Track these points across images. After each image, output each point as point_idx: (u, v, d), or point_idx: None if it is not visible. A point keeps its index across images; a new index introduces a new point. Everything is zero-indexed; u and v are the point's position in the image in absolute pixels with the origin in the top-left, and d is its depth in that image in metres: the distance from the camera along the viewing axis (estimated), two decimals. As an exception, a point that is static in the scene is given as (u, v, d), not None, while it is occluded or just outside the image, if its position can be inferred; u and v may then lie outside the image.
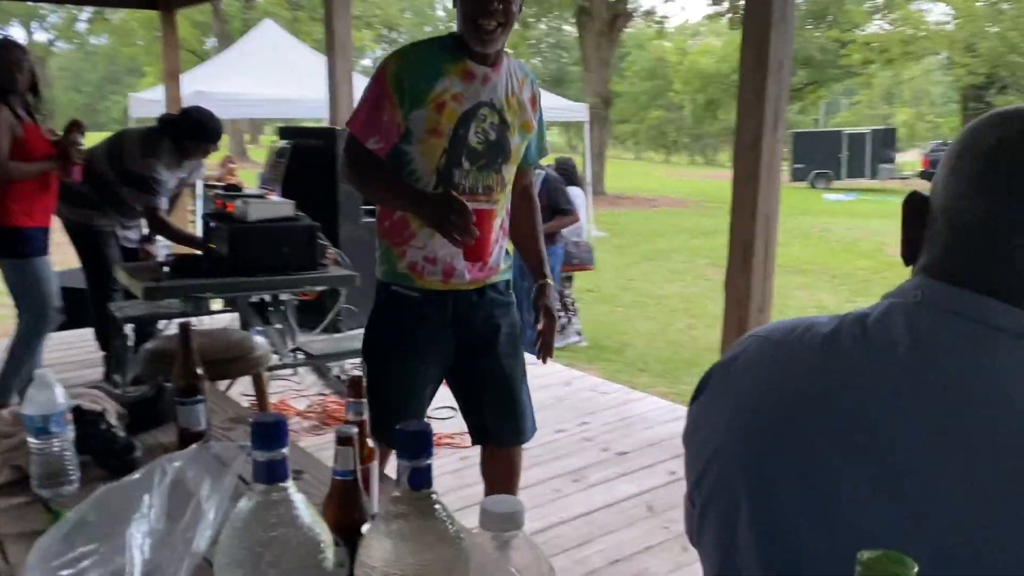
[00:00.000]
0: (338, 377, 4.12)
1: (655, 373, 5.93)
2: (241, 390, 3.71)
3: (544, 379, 4.27)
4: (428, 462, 0.78)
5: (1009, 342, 0.70)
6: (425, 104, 1.93)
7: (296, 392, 4.03)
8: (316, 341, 3.66)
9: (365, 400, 1.21)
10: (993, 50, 12.71)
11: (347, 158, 2.02)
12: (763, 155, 3.17)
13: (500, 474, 2.27)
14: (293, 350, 3.48)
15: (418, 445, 0.78)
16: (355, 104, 2.07)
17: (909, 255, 0.83)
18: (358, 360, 3.87)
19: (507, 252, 2.20)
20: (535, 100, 2.15)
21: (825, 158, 25.07)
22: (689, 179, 27.97)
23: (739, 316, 3.42)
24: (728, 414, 0.84)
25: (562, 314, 6.11)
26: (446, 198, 1.85)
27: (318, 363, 3.74)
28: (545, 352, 2.18)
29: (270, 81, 10.73)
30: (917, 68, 26.18)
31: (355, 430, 1.03)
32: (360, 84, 5.56)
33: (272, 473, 0.78)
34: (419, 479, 0.77)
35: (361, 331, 4.10)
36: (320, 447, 3.35)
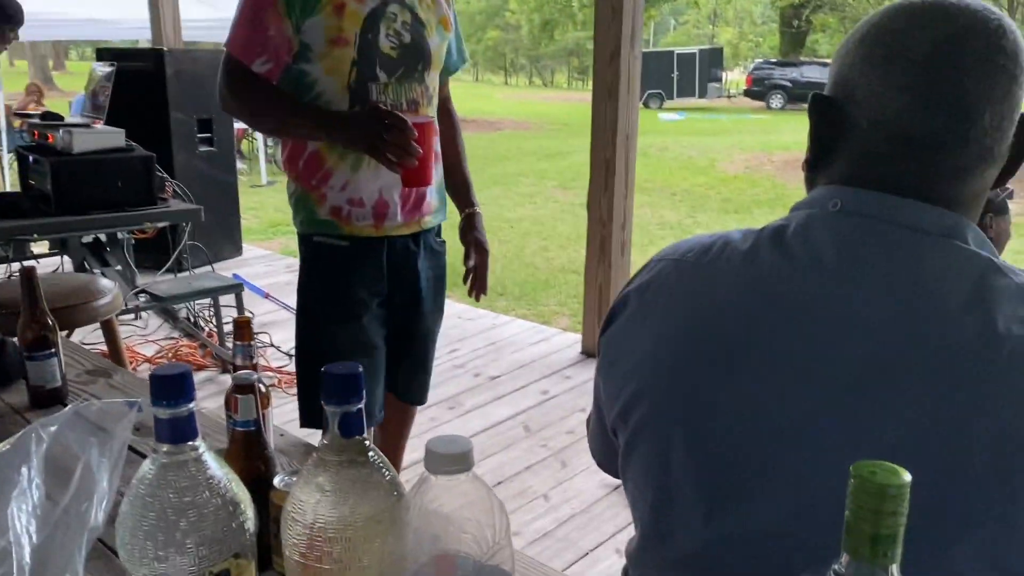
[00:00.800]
0: (187, 318, 3.87)
1: (514, 296, 5.97)
2: (80, 338, 3.42)
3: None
4: (359, 406, 0.70)
5: (936, 242, 0.70)
6: (319, 8, 1.60)
7: (142, 338, 3.76)
8: (161, 282, 3.40)
9: (254, 342, 1.10)
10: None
11: (228, 87, 1.66)
12: (622, 72, 3.17)
13: (396, 426, 2.10)
14: (136, 292, 3.22)
15: (347, 388, 0.71)
16: (230, 23, 1.68)
17: (817, 164, 0.80)
18: (207, 300, 3.67)
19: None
20: None
21: (658, 78, 25.76)
22: (529, 101, 27.99)
23: (602, 235, 3.47)
24: (651, 343, 0.80)
25: None
26: (374, 112, 1.56)
27: (166, 304, 3.49)
28: (479, 290, 1.93)
29: (76, -1, 9.70)
30: (740, -12, 27.22)
31: (255, 375, 0.94)
32: (185, 3, 5.16)
33: (180, 432, 0.68)
34: (350, 425, 0.70)
35: (208, 269, 3.88)
36: (176, 393, 3.16)
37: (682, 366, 0.77)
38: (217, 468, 0.71)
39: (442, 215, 1.90)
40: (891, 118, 0.73)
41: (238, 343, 1.09)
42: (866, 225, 0.72)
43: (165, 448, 0.68)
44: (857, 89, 0.75)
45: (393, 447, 2.13)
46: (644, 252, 7.74)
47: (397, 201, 1.75)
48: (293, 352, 3.57)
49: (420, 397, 2.07)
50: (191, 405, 0.68)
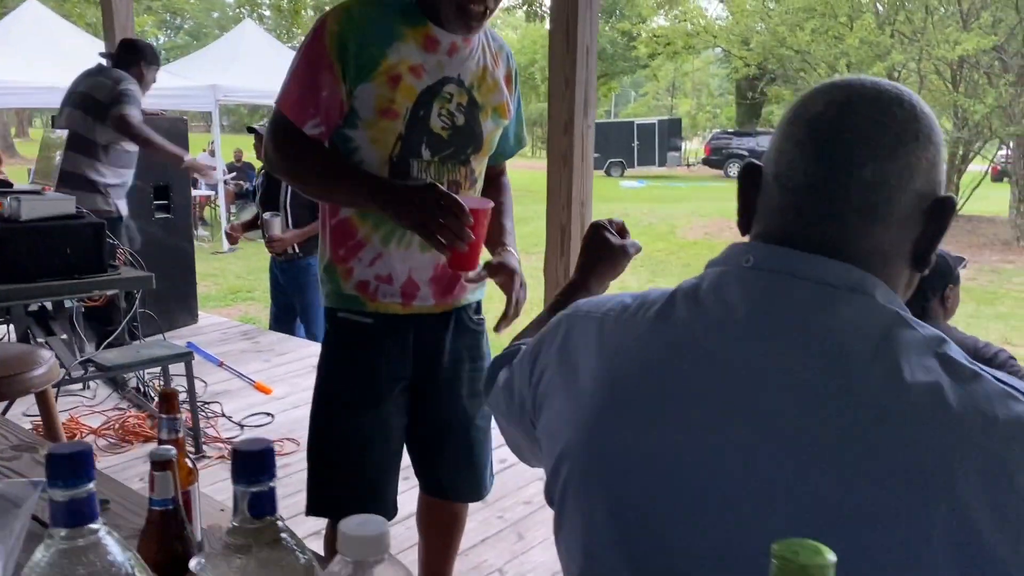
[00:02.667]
0: (137, 389, 3.78)
1: (474, 361, 5.94)
2: (23, 410, 3.31)
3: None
4: (271, 485, 0.67)
5: (842, 296, 0.72)
6: (374, 76, 1.50)
7: (88, 408, 3.65)
8: (109, 351, 3.32)
9: (180, 416, 1.06)
10: (764, 44, 13.80)
11: (276, 146, 1.57)
12: (576, 142, 3.21)
13: (443, 528, 1.93)
14: (83, 362, 3.14)
15: (257, 465, 0.67)
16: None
17: (744, 224, 0.84)
18: (157, 370, 3.59)
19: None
20: (511, 78, 1.73)
21: (618, 147, 26.32)
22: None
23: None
24: (573, 403, 0.81)
25: None
26: (431, 190, 1.42)
27: (112, 374, 3.40)
28: (502, 319, 1.67)
29: (38, 67, 9.71)
30: (698, 61, 28.08)
31: (173, 452, 0.90)
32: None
33: (76, 515, 0.64)
34: (260, 505, 0.67)
35: (160, 337, 3.80)
36: (122, 467, 3.06)
37: (600, 426, 0.77)
38: (119, 553, 0.67)
39: (481, 291, 1.77)
40: (783, 171, 0.77)
41: (162, 416, 1.05)
42: (776, 280, 0.74)
43: (62, 533, 0.64)
44: (769, 152, 0.80)
45: (440, 558, 1.96)
46: (606, 317, 7.77)
47: (428, 285, 1.64)
48: (243, 423, 3.52)
49: (469, 494, 1.86)
50: (90, 485, 0.65)
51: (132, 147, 4.00)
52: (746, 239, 0.83)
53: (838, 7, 12.83)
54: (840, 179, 0.73)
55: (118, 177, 4.01)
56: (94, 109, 3.86)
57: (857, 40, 12.02)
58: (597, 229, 1.27)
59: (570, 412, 0.82)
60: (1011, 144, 11.63)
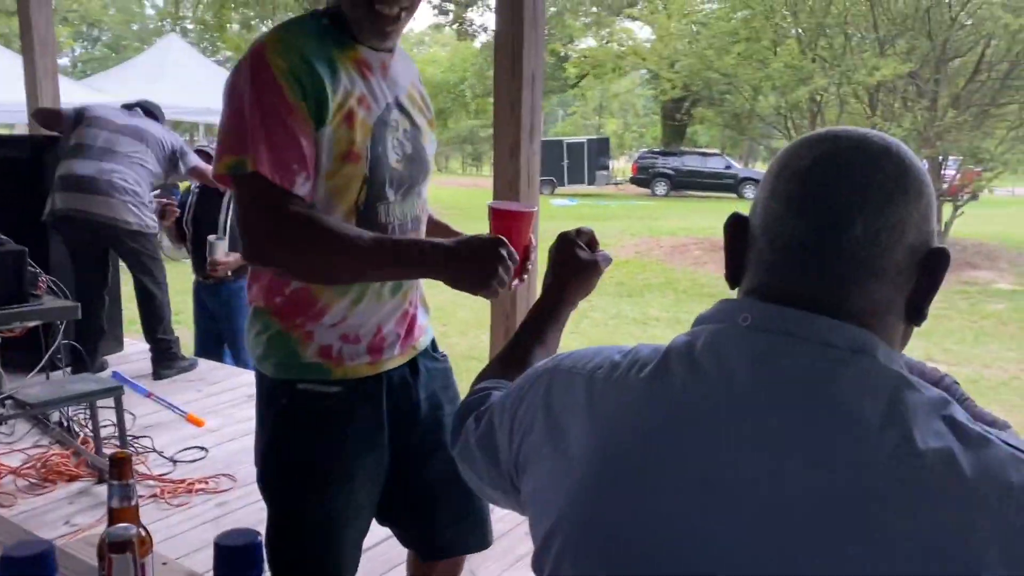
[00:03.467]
0: (60, 424, 3.57)
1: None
2: (-68, 452, 3.09)
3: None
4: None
5: (846, 357, 0.70)
6: (331, 117, 1.31)
7: (6, 447, 3.43)
8: (31, 385, 3.13)
9: (132, 482, 0.97)
10: (691, 67, 14.11)
11: (274, 228, 1.29)
12: (522, 166, 3.18)
13: None
14: (3, 399, 2.95)
15: (243, 560, 0.61)
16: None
17: (733, 277, 0.81)
18: (82, 406, 3.40)
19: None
20: (425, 92, 1.60)
21: (548, 165, 26.46)
22: (423, 186, 28.24)
23: (506, 326, 3.42)
24: (562, 472, 0.78)
25: None
26: (498, 247, 1.26)
27: (34, 412, 3.20)
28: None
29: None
30: (625, 82, 28.59)
31: (133, 530, 0.82)
32: (66, 86, 4.95)
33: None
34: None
35: (83, 374, 3.61)
36: (44, 509, 2.88)
37: (597, 498, 0.74)
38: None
39: (430, 331, 1.65)
40: (772, 225, 0.75)
41: (115, 483, 0.96)
42: (778, 342, 0.72)
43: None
44: (756, 205, 0.79)
45: None
46: (543, 338, 7.77)
47: (394, 331, 1.49)
48: (176, 459, 3.36)
49: (478, 543, 1.69)
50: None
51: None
52: (734, 293, 0.81)
53: (762, 32, 13.23)
54: (831, 237, 0.72)
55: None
56: (162, 152, 4.31)
57: (781, 64, 12.41)
58: (566, 243, 1.19)
59: (560, 480, 0.78)
60: (926, 164, 12.12)
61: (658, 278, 11.38)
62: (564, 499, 0.76)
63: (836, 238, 0.71)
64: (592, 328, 8.52)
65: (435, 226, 1.68)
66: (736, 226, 0.81)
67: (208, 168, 4.10)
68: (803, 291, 0.73)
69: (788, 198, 0.74)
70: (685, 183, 24.11)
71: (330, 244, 1.31)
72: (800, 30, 13.39)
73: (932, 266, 0.74)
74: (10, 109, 8.86)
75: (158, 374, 4.40)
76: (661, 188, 24.44)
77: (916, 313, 0.75)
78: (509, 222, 1.41)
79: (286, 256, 1.33)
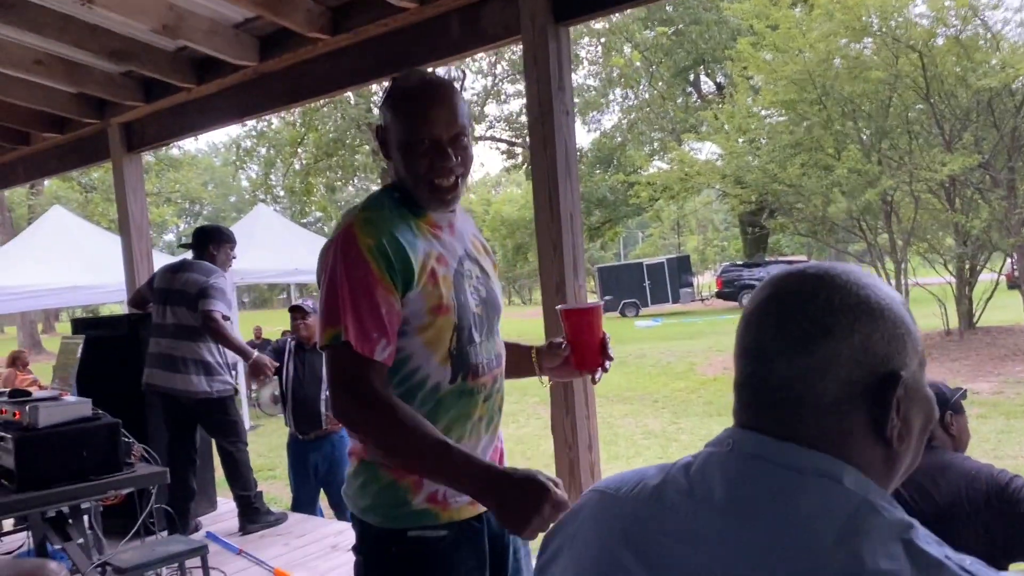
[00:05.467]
0: (154, 586, 3.72)
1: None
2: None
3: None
4: None
5: (810, 481, 0.75)
6: (418, 279, 1.48)
7: (106, 612, 3.59)
8: (125, 551, 3.32)
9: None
10: (757, 180, 14.26)
11: (355, 395, 1.42)
12: (568, 300, 3.32)
13: None
14: (99, 565, 3.13)
15: None
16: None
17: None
18: (174, 567, 3.56)
19: None
20: (484, 240, 1.78)
21: (630, 288, 26.70)
22: (509, 319, 28.65)
23: (569, 459, 3.46)
24: (572, 572, 0.89)
25: None
26: (544, 491, 1.30)
27: None
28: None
29: (62, 268, 10.16)
30: (698, 201, 28.93)
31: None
32: (167, 261, 5.42)
33: None
34: None
35: (175, 536, 3.78)
36: (137, 673, 2.99)
37: None
38: None
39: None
40: (733, 363, 0.85)
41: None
42: (751, 464, 0.79)
43: None
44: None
45: None
46: (630, 463, 7.65)
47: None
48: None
49: None
50: None
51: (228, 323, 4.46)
52: None
53: (824, 141, 13.33)
54: (760, 373, 0.80)
55: (224, 356, 4.52)
56: (192, 301, 4.37)
57: (846, 170, 12.41)
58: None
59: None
60: (1015, 255, 11.72)
61: (747, 394, 11.11)
62: None
63: (765, 378, 0.80)
64: (682, 451, 8.31)
65: (511, 349, 1.80)
66: None
67: (221, 323, 4.28)
68: (761, 422, 0.81)
69: (736, 339, 0.85)
70: (772, 294, 23.70)
71: (399, 432, 1.41)
72: (863, 135, 13.44)
73: (878, 392, 0.77)
74: (115, 289, 9.62)
75: (244, 528, 4.55)
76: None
77: (879, 436, 0.78)
78: (580, 319, 1.66)
79: (361, 427, 1.45)
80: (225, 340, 4.37)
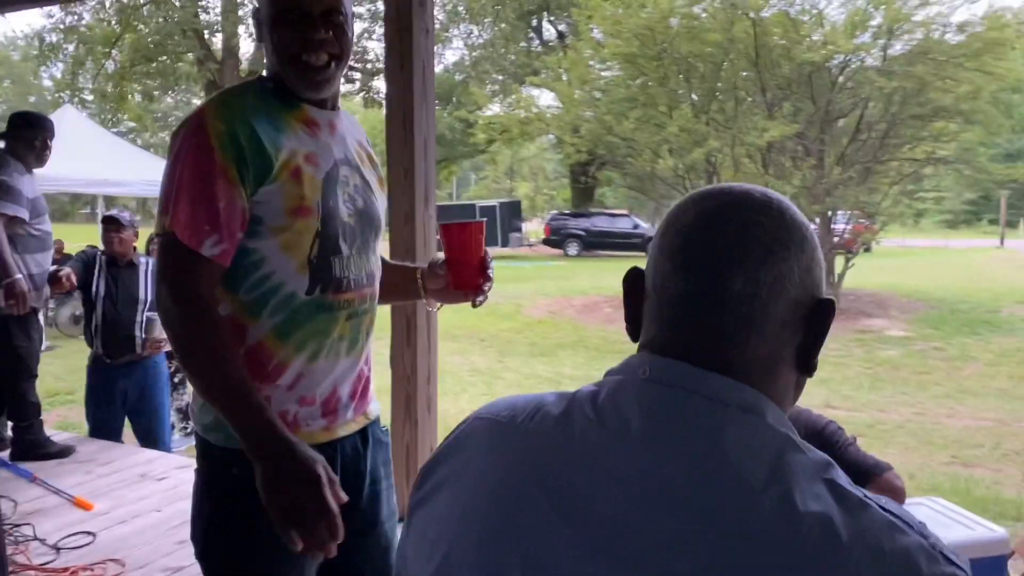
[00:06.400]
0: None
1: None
2: None
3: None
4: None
5: (735, 415, 0.71)
6: (276, 174, 1.35)
7: None
8: None
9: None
10: (593, 132, 14.56)
11: (170, 284, 1.32)
12: (418, 229, 3.21)
13: None
14: None
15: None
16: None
17: (633, 331, 0.83)
18: None
19: None
20: (372, 148, 1.65)
21: (462, 229, 26.73)
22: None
23: (406, 392, 3.39)
24: (459, 510, 0.77)
25: None
26: (318, 486, 1.24)
27: (-99, 503, 2.99)
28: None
29: None
30: (533, 147, 29.29)
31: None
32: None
33: None
34: None
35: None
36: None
37: (489, 537, 0.74)
38: None
39: (377, 401, 1.63)
40: (660, 283, 0.77)
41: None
42: (670, 394, 0.73)
43: None
44: (649, 260, 0.81)
45: None
46: (456, 400, 7.72)
47: (349, 392, 1.49)
48: (59, 546, 3.18)
49: None
50: None
51: (39, 231, 3.99)
52: (634, 346, 0.83)
53: (658, 98, 13.79)
54: (712, 292, 0.74)
55: (37, 266, 4.00)
56: None
57: (677, 128, 12.92)
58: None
59: (459, 515, 0.77)
60: (817, 220, 12.72)
61: (570, 337, 11.51)
62: (456, 539, 0.76)
63: (718, 293, 0.73)
64: (506, 389, 8.53)
65: (394, 270, 1.73)
66: (633, 280, 0.83)
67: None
68: (693, 346, 0.75)
69: (672, 254, 0.77)
70: (596, 243, 24.63)
71: (204, 341, 1.31)
72: (694, 95, 14.01)
73: (818, 317, 0.76)
74: None
75: (15, 458, 4.16)
76: (573, 249, 24.91)
77: (805, 364, 0.77)
78: (457, 235, 1.56)
79: (168, 324, 1.34)
80: None
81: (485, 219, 1.56)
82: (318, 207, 1.40)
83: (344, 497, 1.29)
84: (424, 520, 0.82)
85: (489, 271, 1.61)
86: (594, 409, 0.75)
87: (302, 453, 1.27)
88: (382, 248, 1.63)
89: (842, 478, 0.69)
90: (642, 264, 0.83)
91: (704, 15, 13.45)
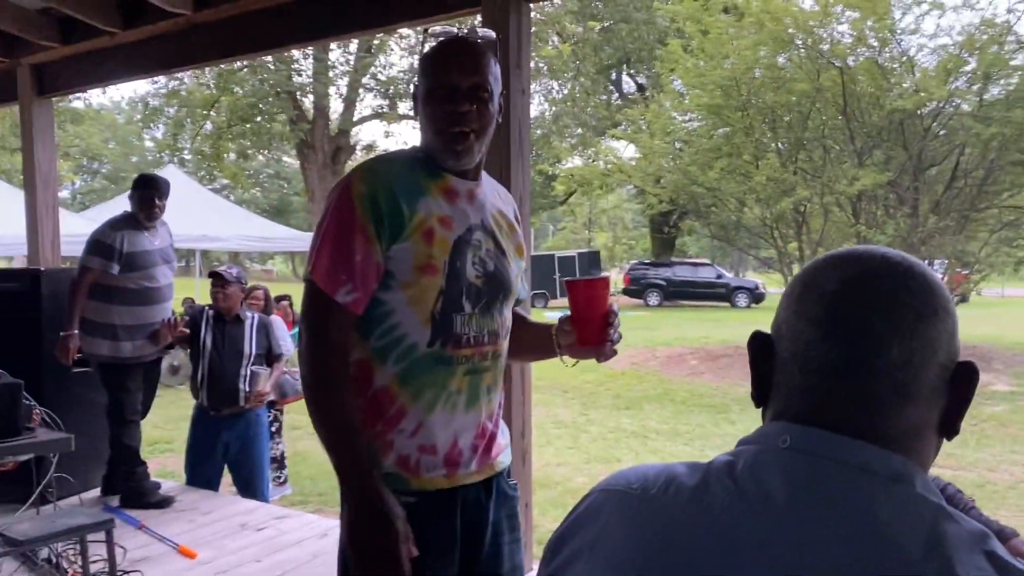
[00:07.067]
0: (49, 561, 3.47)
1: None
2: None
3: (295, 533, 3.92)
4: None
5: (884, 486, 0.69)
6: (409, 233, 1.48)
7: (-8, 586, 3.33)
8: (21, 521, 3.07)
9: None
10: (675, 182, 14.51)
11: (308, 324, 1.47)
12: (514, 284, 3.25)
13: None
14: (-9, 536, 2.88)
15: None
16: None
17: (760, 398, 0.82)
18: (73, 540, 3.32)
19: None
20: (518, 220, 1.75)
21: (541, 279, 26.78)
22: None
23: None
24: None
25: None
26: (394, 543, 1.39)
27: (22, 550, 3.13)
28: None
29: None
30: (612, 198, 29.34)
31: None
32: (64, 218, 5.08)
33: None
34: None
35: (75, 500, 3.54)
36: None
37: None
38: None
39: (509, 452, 1.70)
40: (802, 350, 0.75)
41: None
42: (816, 464, 0.71)
43: None
44: (782, 325, 0.79)
45: None
46: (542, 453, 7.65)
47: (470, 449, 1.57)
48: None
49: None
50: None
51: (138, 285, 4.20)
52: (743, 408, 0.81)
53: (743, 148, 13.66)
54: (868, 362, 0.72)
55: (134, 319, 4.21)
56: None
57: (764, 177, 12.75)
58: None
59: None
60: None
61: (655, 389, 11.33)
62: None
63: (873, 363, 0.72)
64: (590, 444, 8.42)
65: (532, 328, 1.83)
66: (759, 345, 0.81)
67: (76, 278, 4.13)
68: (842, 415, 0.73)
69: (818, 323, 0.75)
70: (677, 293, 24.34)
71: (326, 381, 1.46)
72: (780, 145, 13.84)
73: (962, 381, 0.75)
74: (10, 243, 9.02)
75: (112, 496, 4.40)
76: (654, 298, 24.66)
77: (949, 429, 0.76)
78: (580, 292, 1.62)
79: (301, 359, 1.48)
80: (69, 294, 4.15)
81: (608, 274, 1.59)
82: (444, 266, 1.51)
83: (415, 552, 1.41)
84: None
85: (613, 327, 1.64)
86: (732, 480, 0.73)
87: (386, 507, 1.41)
88: (521, 309, 1.73)
89: (1000, 549, 0.67)
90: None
91: (788, 65, 13.35)
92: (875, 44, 12.76)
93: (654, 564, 0.73)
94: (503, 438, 1.68)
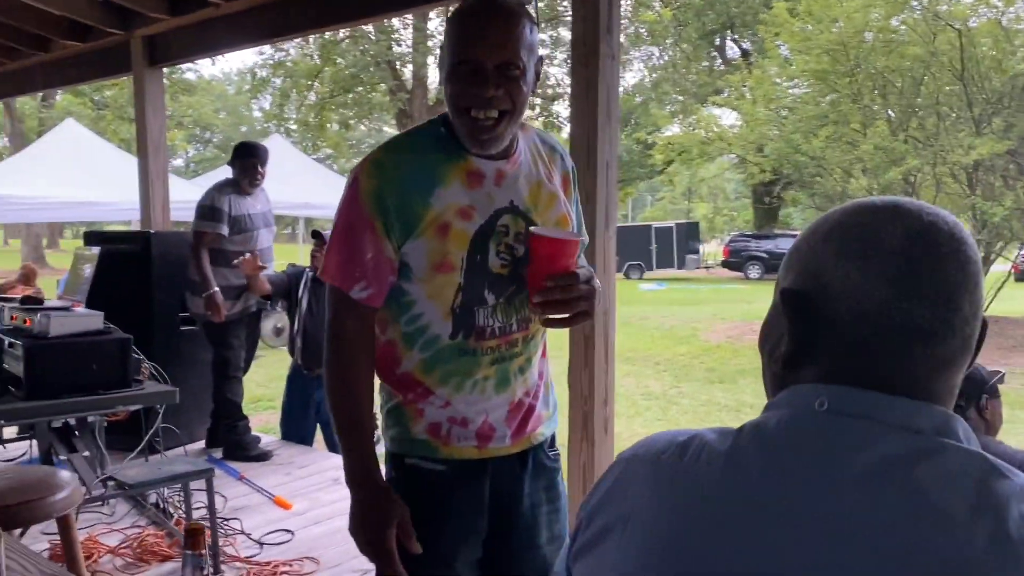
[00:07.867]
0: (156, 505, 3.71)
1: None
2: (41, 527, 3.25)
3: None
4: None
5: (929, 444, 0.67)
6: (421, 231, 1.41)
7: (107, 526, 3.59)
8: (130, 467, 3.28)
9: (206, 553, 1.03)
10: (779, 151, 14.05)
11: (333, 315, 1.48)
12: (597, 252, 3.23)
13: None
14: (104, 480, 3.10)
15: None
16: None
17: (795, 357, 0.77)
18: (177, 486, 3.54)
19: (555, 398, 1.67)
20: (569, 180, 1.61)
21: (636, 250, 26.54)
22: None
23: (583, 411, 3.41)
24: (631, 560, 0.74)
25: None
26: (387, 540, 1.41)
27: (132, 493, 3.35)
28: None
29: (71, 183, 10.05)
30: (713, 167, 28.70)
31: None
32: (177, 185, 5.34)
33: None
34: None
35: (180, 451, 3.77)
36: (137, 589, 2.99)
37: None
38: None
39: (554, 421, 1.63)
40: (875, 310, 0.71)
41: (188, 552, 1.02)
42: (857, 427, 0.69)
43: None
44: (832, 283, 0.73)
45: None
46: (629, 423, 7.65)
47: (504, 424, 1.52)
48: (263, 541, 3.44)
49: None
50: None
51: (241, 247, 4.44)
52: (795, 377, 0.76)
53: (851, 115, 13.10)
54: (947, 318, 0.70)
55: (237, 279, 4.45)
56: None
57: (872, 146, 12.21)
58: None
59: (634, 560, 0.74)
60: (1029, 245, 11.63)
61: (752, 364, 11.09)
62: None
63: (951, 320, 0.70)
64: (681, 415, 8.34)
65: None
66: (804, 305, 0.76)
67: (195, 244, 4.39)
68: (899, 376, 0.71)
69: (891, 279, 0.70)
70: (779, 266, 23.62)
71: (340, 373, 1.48)
72: (890, 112, 13.20)
73: (983, 336, 0.74)
74: (124, 208, 9.52)
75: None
76: (754, 271, 24.07)
77: (964, 380, 0.76)
78: (550, 249, 1.39)
79: (329, 339, 1.49)
80: (195, 263, 4.41)
81: (584, 238, 1.50)
82: (462, 262, 1.43)
83: (418, 549, 1.43)
84: (591, 568, 0.79)
85: (552, 286, 1.39)
86: (766, 447, 0.71)
87: (385, 500, 1.44)
88: None
89: None
90: None
91: (903, 28, 12.67)
92: (999, 4, 11.97)
93: (690, 534, 0.71)
94: (545, 408, 1.60)
